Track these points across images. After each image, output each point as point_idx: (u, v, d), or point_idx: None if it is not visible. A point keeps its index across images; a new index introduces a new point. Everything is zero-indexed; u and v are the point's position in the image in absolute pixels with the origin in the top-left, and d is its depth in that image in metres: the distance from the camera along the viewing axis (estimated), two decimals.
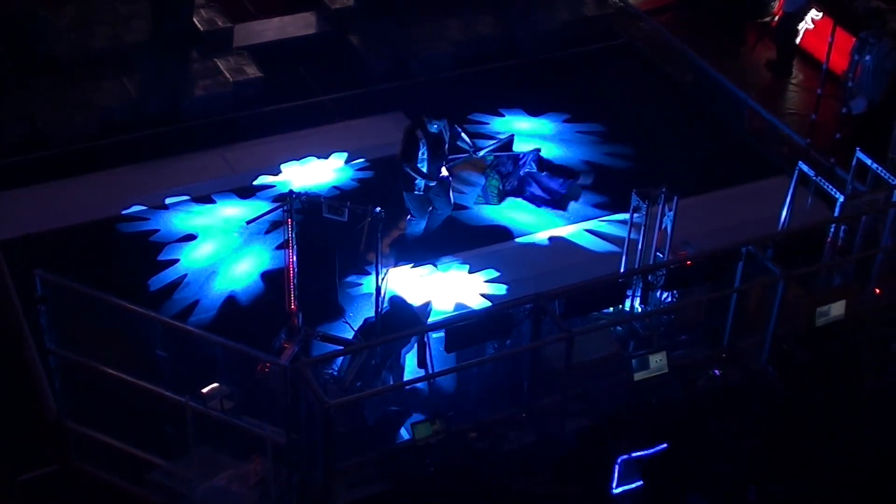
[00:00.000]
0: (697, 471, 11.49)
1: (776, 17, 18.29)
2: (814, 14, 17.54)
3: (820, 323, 11.98)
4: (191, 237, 14.19)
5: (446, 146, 13.97)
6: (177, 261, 13.85)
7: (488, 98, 16.72)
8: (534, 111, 16.34)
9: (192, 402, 10.64)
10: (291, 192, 11.84)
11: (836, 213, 12.68)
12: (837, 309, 12.06)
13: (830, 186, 12.80)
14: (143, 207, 14.59)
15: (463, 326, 11.00)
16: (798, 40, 17.76)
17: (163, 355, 10.86)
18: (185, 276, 13.64)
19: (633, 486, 11.27)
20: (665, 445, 11.20)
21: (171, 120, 16.05)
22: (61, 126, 15.57)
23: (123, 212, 14.52)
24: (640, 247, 12.65)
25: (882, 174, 12.76)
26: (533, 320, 11.07)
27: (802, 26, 17.66)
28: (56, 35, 16.49)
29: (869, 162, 12.87)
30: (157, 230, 14.28)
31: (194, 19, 17.09)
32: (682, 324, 12.38)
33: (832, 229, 12.66)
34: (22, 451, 11.54)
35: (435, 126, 13.73)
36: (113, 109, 15.90)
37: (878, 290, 12.84)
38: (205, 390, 10.91)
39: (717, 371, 11.91)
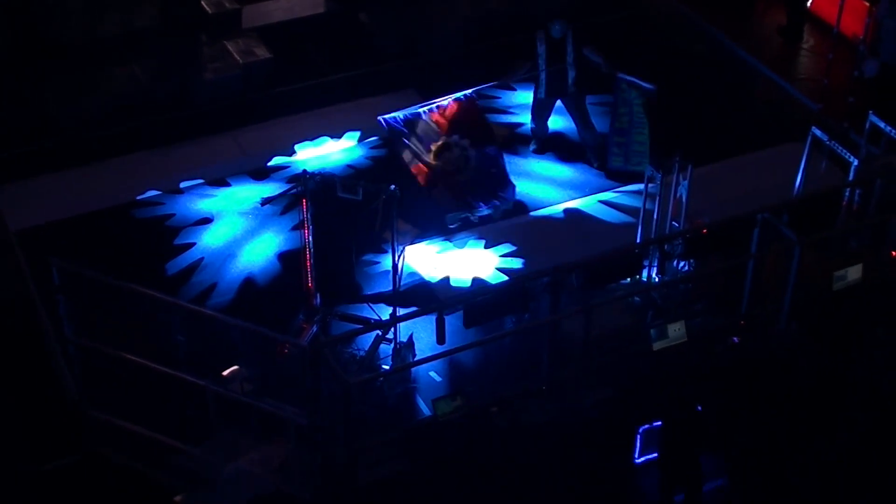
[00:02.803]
0: (714, 439, 11.50)
1: None
2: None
3: (837, 287, 11.97)
4: (207, 220, 14.22)
5: (569, 57, 14.15)
6: (193, 244, 13.89)
7: (500, 72, 16.65)
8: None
9: (213, 385, 10.69)
10: (305, 171, 11.85)
11: (850, 177, 12.65)
12: (854, 273, 12.04)
13: (844, 151, 12.76)
14: (158, 192, 14.62)
15: (481, 302, 11.02)
16: (808, 4, 17.66)
17: (182, 340, 10.90)
18: (202, 259, 13.68)
19: (654, 456, 11.29)
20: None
21: (182, 104, 16.06)
22: (72, 113, 15.59)
23: (138, 197, 14.56)
24: (655, 217, 12.64)
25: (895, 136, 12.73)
26: (551, 293, 11.08)
27: None
28: (64, 21, 16.47)
29: (882, 125, 12.83)
30: (173, 214, 14.31)
31: (202, 2, 17.06)
32: (700, 292, 12.38)
33: (847, 193, 12.63)
34: (44, 439, 11.61)
35: (557, 30, 14.04)
36: (123, 95, 15.90)
37: (894, 253, 12.81)
38: (225, 373, 10.97)
39: (735, 339, 11.92)
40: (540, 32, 14.46)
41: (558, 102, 15.02)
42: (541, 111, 15.13)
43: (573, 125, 15.28)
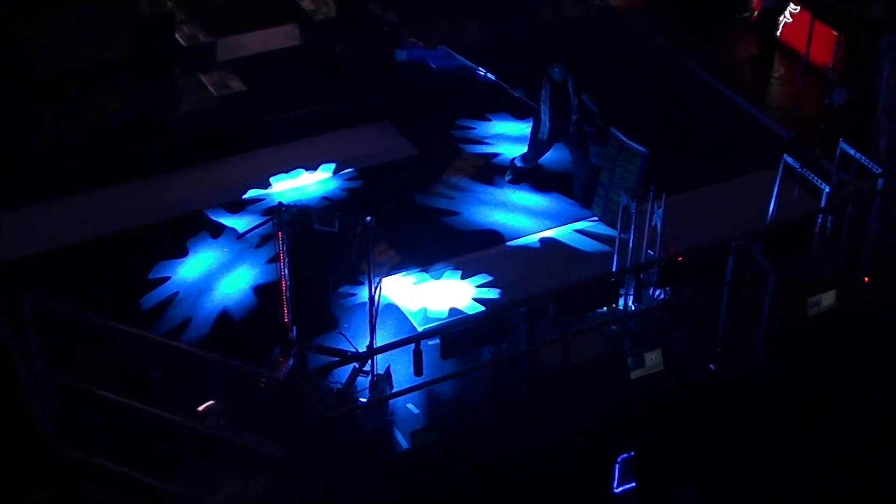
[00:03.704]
0: (691, 466, 11.53)
1: (755, 13, 18.34)
2: (792, 8, 17.60)
3: (812, 314, 12.03)
4: (181, 254, 14.18)
5: (572, 101, 14.31)
6: (168, 278, 13.85)
7: (475, 102, 16.75)
8: (521, 115, 16.35)
9: (188, 420, 10.64)
10: (281, 204, 11.85)
11: (822, 204, 12.74)
12: (828, 299, 12.11)
13: (816, 178, 12.85)
14: (133, 226, 14.57)
15: (458, 332, 11.02)
16: (778, 34, 17.81)
17: (157, 375, 10.85)
18: (177, 293, 13.64)
19: (632, 485, 11.31)
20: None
21: (157, 137, 16.03)
22: (45, 146, 15.53)
23: (112, 231, 14.49)
24: (631, 245, 12.69)
25: (865, 163, 12.82)
26: (528, 323, 11.09)
27: (781, 20, 17.72)
28: (38, 52, 16.47)
29: (852, 152, 12.94)
30: (147, 248, 14.26)
31: (176, 35, 17.07)
32: (676, 321, 12.42)
33: (819, 220, 12.72)
34: (16, 476, 11.50)
35: (557, 73, 14.13)
36: (97, 128, 15.86)
37: (867, 279, 12.89)
38: (201, 408, 10.92)
39: (712, 366, 11.95)
40: (544, 77, 14.55)
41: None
42: (538, 151, 15.15)
43: (550, 157, 15.33)
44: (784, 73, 17.54)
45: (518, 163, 15.26)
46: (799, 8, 17.49)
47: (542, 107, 14.62)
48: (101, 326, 10.79)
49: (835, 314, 12.13)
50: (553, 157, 15.42)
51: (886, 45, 14.34)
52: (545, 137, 14.83)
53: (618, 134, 13.26)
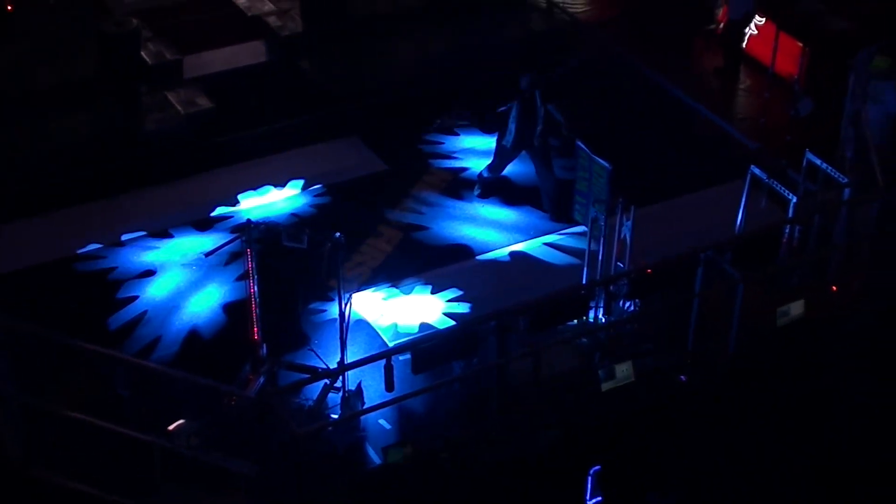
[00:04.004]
0: (661, 477, 11.56)
1: (721, 25, 18.46)
2: (757, 20, 17.72)
3: (781, 323, 12.10)
4: (150, 273, 14.12)
5: (539, 111, 14.37)
6: (136, 297, 13.77)
7: (443, 117, 16.77)
8: (489, 129, 16.37)
9: (159, 440, 10.57)
10: (249, 221, 11.81)
11: (789, 215, 12.81)
12: (797, 308, 12.18)
13: (783, 188, 12.92)
14: (100, 245, 14.50)
15: (428, 347, 11.01)
16: (744, 45, 17.92)
17: (126, 394, 10.78)
18: (146, 312, 13.57)
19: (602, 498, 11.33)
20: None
21: (124, 155, 15.96)
22: (11, 166, 15.44)
23: (80, 251, 14.43)
24: (600, 258, 12.72)
25: (832, 173, 12.91)
26: (498, 337, 11.09)
27: (747, 32, 17.83)
28: (2, 72, 16.38)
29: (819, 162, 13.02)
30: (115, 267, 14.20)
31: (142, 53, 17.02)
32: (647, 332, 12.45)
33: (787, 230, 12.79)
34: None
35: (525, 82, 14.38)
36: (63, 147, 15.79)
37: (834, 288, 12.96)
38: (171, 427, 10.85)
39: (683, 377, 11.98)
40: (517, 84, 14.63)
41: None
42: (502, 159, 15.19)
43: (519, 170, 15.37)
44: (750, 85, 17.65)
45: (485, 173, 15.29)
46: (764, 20, 17.61)
47: (511, 114, 14.65)
48: (69, 346, 10.71)
49: (803, 323, 12.20)
50: (521, 170, 15.45)
51: (858, 60, 14.47)
52: (509, 145, 14.86)
53: (582, 146, 13.28)
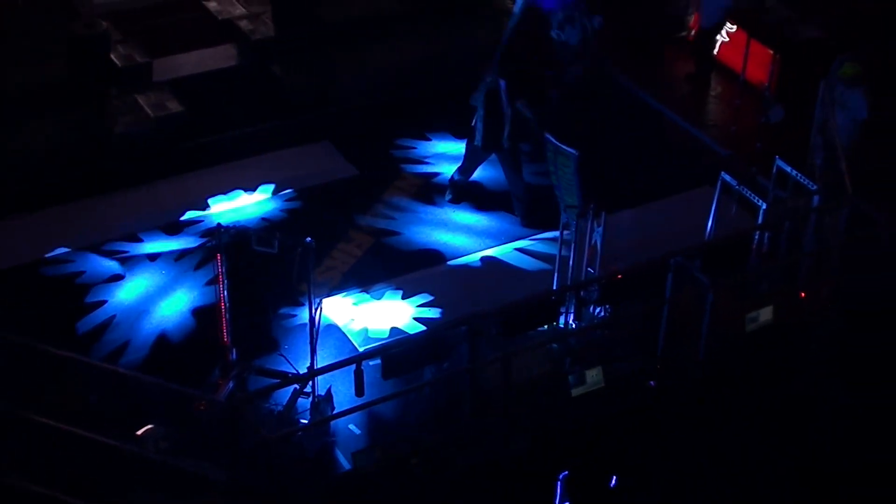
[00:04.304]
0: (632, 481, 11.58)
1: (693, 32, 18.53)
2: (728, 27, 17.80)
3: (750, 329, 12.14)
4: (118, 277, 14.04)
5: (506, 111, 14.31)
6: (104, 302, 13.69)
7: (415, 122, 16.77)
8: (460, 134, 16.39)
9: (128, 445, 10.52)
10: (220, 226, 11.77)
11: (759, 221, 12.86)
12: (766, 314, 12.23)
13: (753, 195, 12.97)
14: (67, 249, 14.41)
15: (399, 352, 10.99)
16: (715, 52, 17.99)
17: (95, 399, 10.72)
18: (114, 316, 13.49)
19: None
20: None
21: (93, 159, 15.87)
22: None
23: (47, 255, 14.33)
24: (571, 263, 12.73)
25: (801, 180, 12.97)
26: (469, 342, 11.08)
27: (718, 39, 17.90)
28: None
29: (788, 169, 13.08)
30: (83, 272, 14.11)
31: (111, 56, 16.93)
32: (617, 338, 12.47)
33: (756, 237, 12.84)
34: None
35: (491, 79, 14.34)
36: (32, 151, 15.67)
37: (803, 294, 13.02)
38: (140, 432, 10.80)
39: (652, 382, 12.00)
40: (481, 83, 14.56)
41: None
42: (472, 160, 15.17)
43: (491, 175, 15.37)
44: (721, 92, 17.72)
45: (456, 176, 15.28)
46: (735, 27, 17.69)
47: (477, 112, 14.65)
48: (37, 351, 10.63)
49: (773, 329, 12.25)
50: (493, 175, 15.45)
51: (833, 69, 14.58)
52: (479, 146, 14.85)
53: (551, 139, 13.30)
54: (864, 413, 12.33)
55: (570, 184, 12.80)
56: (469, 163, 15.16)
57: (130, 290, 13.85)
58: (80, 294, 13.76)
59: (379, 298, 13.74)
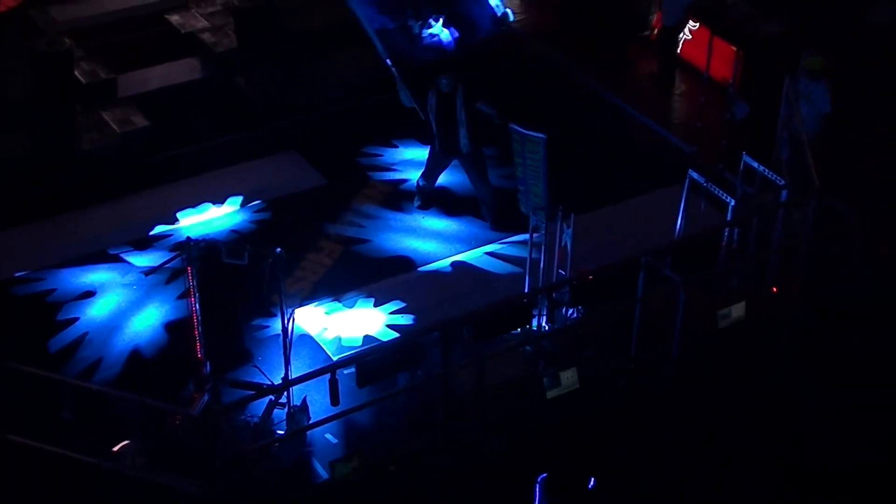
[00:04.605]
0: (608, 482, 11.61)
1: (655, 31, 18.61)
2: (691, 25, 17.88)
3: (722, 326, 12.20)
4: (89, 294, 13.98)
5: (459, 114, 14.27)
6: (76, 319, 13.63)
7: (381, 129, 16.77)
8: (426, 140, 16.40)
9: (105, 461, 10.48)
10: (189, 239, 11.73)
11: (728, 217, 12.92)
12: (738, 311, 12.29)
13: (721, 192, 13.04)
14: (38, 267, 14.34)
15: (373, 360, 10.99)
16: (678, 51, 18.07)
17: (70, 417, 10.67)
18: (86, 333, 13.43)
19: None
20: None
21: (60, 176, 15.81)
22: None
23: (17, 274, 14.26)
24: (541, 266, 12.76)
25: (769, 176, 13.04)
26: (442, 347, 11.10)
27: (681, 37, 17.99)
28: None
29: (755, 165, 13.15)
30: (54, 290, 14.05)
31: (76, 72, 16.88)
32: (590, 338, 12.51)
33: (726, 233, 12.90)
34: None
35: (445, 84, 14.27)
36: None
37: (774, 289, 13.09)
38: (116, 448, 10.76)
39: (627, 382, 12.05)
40: (431, 87, 14.55)
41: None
42: (435, 166, 15.18)
43: (459, 180, 15.39)
44: (685, 90, 17.81)
45: (421, 182, 15.28)
46: (698, 25, 17.78)
47: (430, 118, 14.66)
48: (9, 370, 10.58)
49: (744, 325, 12.31)
50: (460, 179, 15.47)
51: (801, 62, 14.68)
52: (438, 150, 14.86)
53: (516, 128, 13.31)
54: (841, 410, 12.41)
55: (538, 173, 12.79)
56: (431, 168, 15.17)
57: (102, 307, 13.79)
58: (51, 312, 13.69)
59: (351, 307, 13.74)
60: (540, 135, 12.60)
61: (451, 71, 14.54)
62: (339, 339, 13.23)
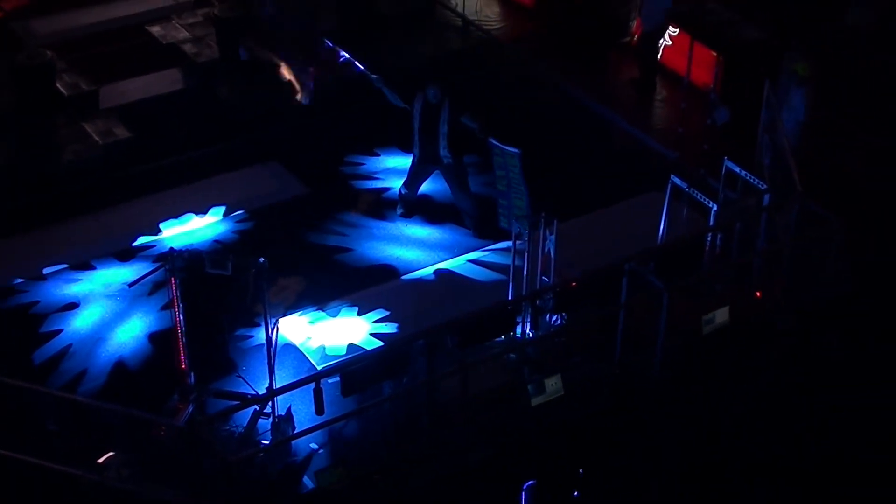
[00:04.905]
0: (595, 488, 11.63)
1: (635, 37, 18.66)
2: (671, 30, 17.94)
3: (707, 331, 12.22)
4: (73, 305, 13.94)
5: (441, 127, 14.27)
6: (60, 331, 13.59)
7: (362, 137, 16.78)
8: (409, 148, 16.40)
9: (90, 473, 10.45)
10: (172, 250, 11.72)
11: (711, 222, 12.96)
12: (722, 315, 12.31)
13: (703, 197, 13.07)
14: (21, 280, 14.30)
15: (357, 369, 10.99)
16: (659, 57, 18.13)
17: (55, 429, 10.65)
18: (70, 345, 13.39)
19: None
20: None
21: (43, 188, 15.78)
22: None
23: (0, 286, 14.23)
24: (525, 273, 12.77)
25: (751, 180, 13.08)
26: (426, 356, 11.10)
27: (661, 43, 18.04)
28: None
29: (737, 170, 13.19)
30: (38, 302, 14.01)
31: (57, 84, 16.86)
32: (575, 345, 12.52)
33: (709, 238, 12.93)
34: None
35: (432, 95, 14.30)
36: None
37: (758, 294, 13.13)
38: (101, 460, 10.73)
39: (611, 387, 12.06)
40: (419, 94, 14.56)
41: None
42: (416, 175, 15.19)
43: (441, 188, 15.41)
44: (666, 95, 17.86)
45: (403, 190, 15.29)
46: (678, 31, 17.83)
47: (413, 125, 14.67)
48: None
49: (729, 330, 12.33)
50: (443, 187, 15.48)
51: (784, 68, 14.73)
52: (417, 159, 14.87)
53: (494, 142, 13.35)
54: (824, 412, 12.46)
55: (520, 186, 12.86)
56: (412, 177, 15.18)
57: (86, 318, 13.76)
58: (35, 324, 13.66)
59: (335, 316, 13.73)
60: (514, 150, 12.67)
61: (439, 81, 14.57)
62: (324, 348, 13.22)
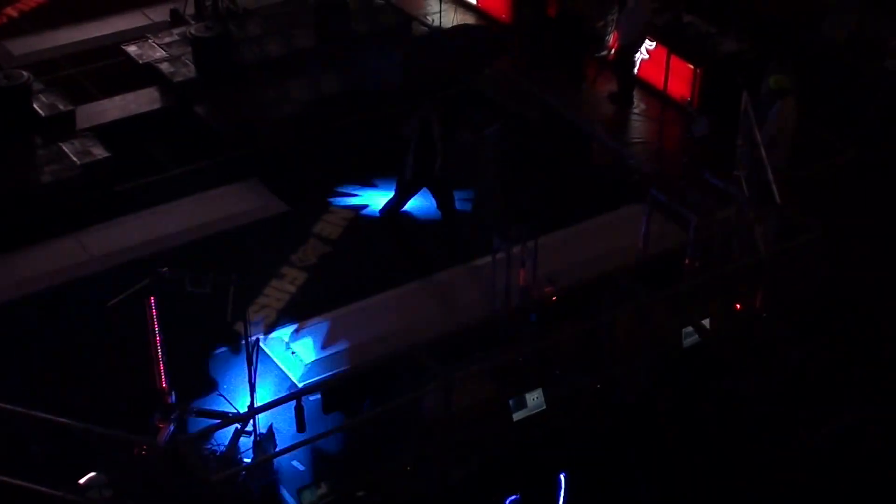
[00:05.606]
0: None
1: (612, 51, 18.71)
2: (648, 44, 17.99)
3: (688, 343, 12.25)
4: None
5: (437, 142, 14.37)
6: None
7: (340, 156, 16.77)
8: (388, 167, 16.34)
9: (71, 494, 10.40)
10: (152, 269, 11.68)
11: (690, 234, 12.99)
12: (702, 327, 12.34)
13: (683, 209, 13.10)
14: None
15: (339, 387, 10.96)
16: (635, 70, 18.18)
17: (36, 449, 10.59)
18: None
19: None
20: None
21: (20, 209, 15.69)
22: None
23: None
24: (504, 286, 12.77)
25: (730, 192, 13.12)
26: (408, 372, 11.08)
27: (638, 57, 18.09)
28: None
29: (716, 181, 13.24)
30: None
31: (34, 105, 16.80)
32: (556, 359, 12.52)
33: (689, 250, 12.96)
34: None
35: (424, 111, 14.37)
36: None
37: (738, 305, 13.16)
38: (82, 481, 10.68)
39: (592, 400, 12.06)
40: (415, 112, 14.61)
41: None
42: (403, 195, 15.15)
43: (423, 204, 15.39)
44: (645, 109, 17.90)
45: (386, 208, 15.26)
46: (655, 44, 17.89)
47: (410, 144, 14.66)
48: None
49: (709, 341, 12.36)
50: (424, 204, 15.47)
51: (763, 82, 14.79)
52: (409, 177, 14.86)
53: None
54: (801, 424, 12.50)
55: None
56: (399, 196, 15.16)
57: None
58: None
59: (316, 333, 13.68)
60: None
61: (435, 98, 14.60)
62: (305, 365, 13.17)
